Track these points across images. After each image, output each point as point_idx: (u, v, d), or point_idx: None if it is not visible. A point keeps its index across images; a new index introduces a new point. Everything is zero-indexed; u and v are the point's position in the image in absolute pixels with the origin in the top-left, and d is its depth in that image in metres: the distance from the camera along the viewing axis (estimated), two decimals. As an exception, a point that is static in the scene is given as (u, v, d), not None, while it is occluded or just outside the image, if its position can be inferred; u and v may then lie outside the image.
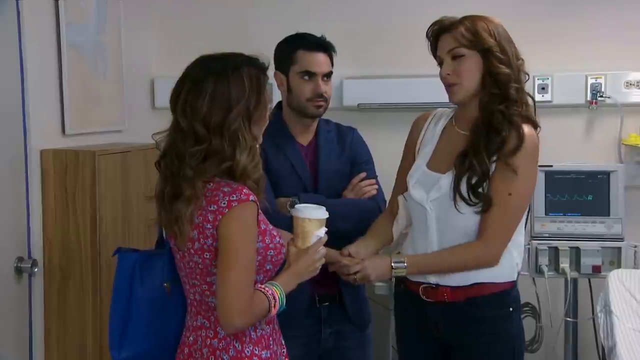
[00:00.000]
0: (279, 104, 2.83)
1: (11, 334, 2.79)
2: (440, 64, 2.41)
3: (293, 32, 2.82)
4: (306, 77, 2.69)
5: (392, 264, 2.38)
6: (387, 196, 2.70)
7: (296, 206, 2.18)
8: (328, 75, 2.73)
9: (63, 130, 3.05)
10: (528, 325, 3.42)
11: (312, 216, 2.15)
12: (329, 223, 2.58)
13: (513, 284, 2.45)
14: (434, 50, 2.44)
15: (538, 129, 2.39)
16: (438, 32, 2.41)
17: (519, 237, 2.43)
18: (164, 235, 2.13)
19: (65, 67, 3.04)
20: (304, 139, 2.78)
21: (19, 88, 2.79)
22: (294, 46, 2.73)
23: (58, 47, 3.02)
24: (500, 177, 2.30)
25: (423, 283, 2.42)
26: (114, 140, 3.39)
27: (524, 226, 2.45)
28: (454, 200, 2.32)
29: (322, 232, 2.16)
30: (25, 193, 2.83)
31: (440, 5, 3.44)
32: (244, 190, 1.96)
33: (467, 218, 2.34)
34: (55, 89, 3.02)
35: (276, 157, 2.68)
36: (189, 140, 1.97)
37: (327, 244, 2.57)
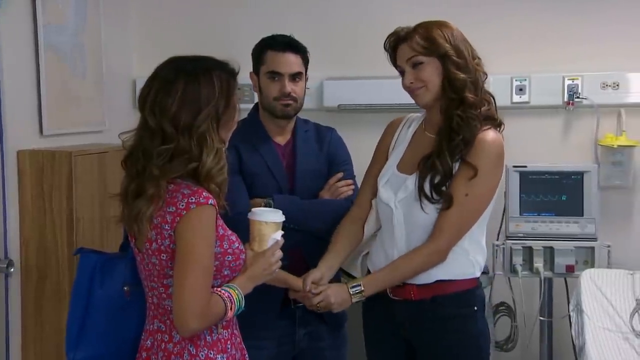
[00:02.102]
0: (256, 105, 2.85)
1: (-12, 334, 2.81)
2: (402, 73, 2.46)
3: (272, 33, 2.83)
4: (273, 77, 2.72)
5: (350, 291, 2.42)
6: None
7: (252, 209, 2.18)
8: (296, 75, 2.74)
9: (41, 131, 3.06)
10: (503, 324, 3.46)
11: (269, 219, 2.15)
12: (303, 223, 2.62)
13: (476, 283, 2.48)
14: (394, 61, 2.49)
15: (502, 126, 2.45)
16: (395, 43, 2.47)
17: (480, 237, 2.47)
18: (128, 237, 2.13)
19: (43, 67, 3.05)
20: (281, 139, 2.79)
21: (-5, 89, 2.80)
22: (264, 47, 2.77)
23: (35, 47, 3.03)
24: (460, 177, 2.36)
25: None
26: (94, 141, 3.40)
27: (485, 226, 2.49)
28: (419, 199, 2.37)
29: (278, 235, 2.16)
30: (1, 193, 2.83)
31: (420, 6, 3.50)
32: (204, 194, 1.97)
33: (432, 217, 2.38)
34: (32, 89, 3.03)
35: (252, 157, 2.70)
36: (156, 139, 1.98)
37: (301, 243, 2.62)
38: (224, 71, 2.07)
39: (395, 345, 2.50)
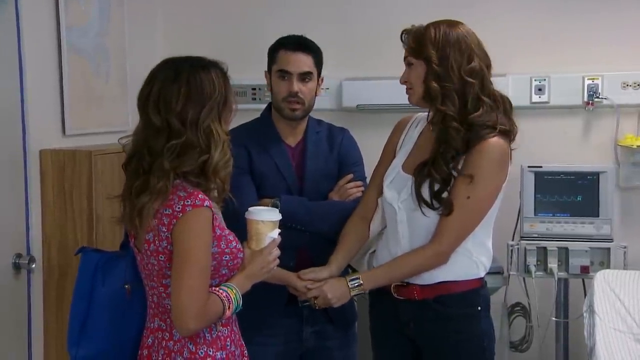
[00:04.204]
0: (269, 105, 2.86)
1: (10, 329, 2.87)
2: None
3: (295, 35, 2.84)
4: (283, 76, 2.72)
5: (349, 284, 2.43)
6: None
7: (249, 209, 2.20)
8: (306, 75, 2.73)
9: (63, 131, 3.13)
10: (519, 325, 3.46)
11: (265, 218, 2.18)
12: (309, 224, 2.64)
13: (481, 283, 2.49)
14: None
15: (510, 135, 2.39)
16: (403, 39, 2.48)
17: (484, 238, 2.46)
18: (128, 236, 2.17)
19: (66, 68, 3.11)
20: (292, 139, 2.80)
21: (18, 89, 2.86)
22: (276, 46, 2.78)
23: (58, 48, 3.09)
24: (461, 181, 2.35)
25: None
26: (117, 141, 3.45)
27: (490, 227, 2.48)
28: (418, 204, 2.38)
29: (275, 233, 2.19)
30: (24, 191, 2.90)
31: (439, 7, 3.50)
32: (199, 196, 2.00)
33: (434, 219, 2.39)
34: (55, 90, 3.09)
35: (261, 157, 2.72)
36: (161, 137, 2.02)
37: (308, 244, 2.65)
38: (220, 70, 2.12)
39: (401, 344, 2.52)
